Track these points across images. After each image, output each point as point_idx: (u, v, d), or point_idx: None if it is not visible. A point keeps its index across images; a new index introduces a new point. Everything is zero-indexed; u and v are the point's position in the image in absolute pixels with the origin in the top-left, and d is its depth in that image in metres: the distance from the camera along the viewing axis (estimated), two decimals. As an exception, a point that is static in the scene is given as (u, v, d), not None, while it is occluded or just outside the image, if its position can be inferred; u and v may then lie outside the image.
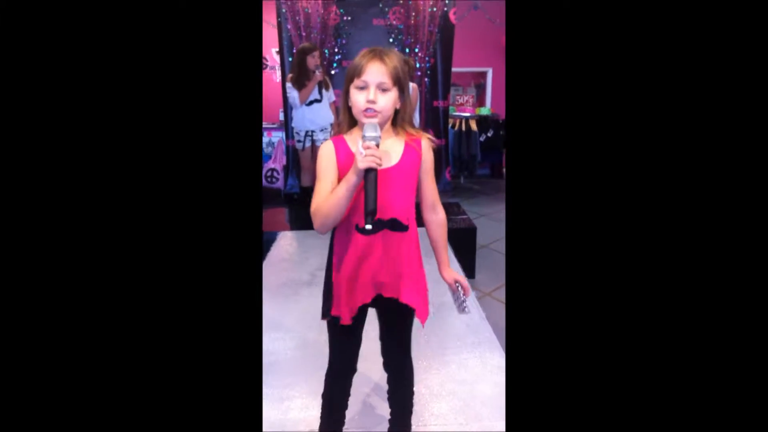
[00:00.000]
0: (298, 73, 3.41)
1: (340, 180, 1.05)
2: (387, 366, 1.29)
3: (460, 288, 1.17)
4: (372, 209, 0.98)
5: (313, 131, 3.52)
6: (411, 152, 1.12)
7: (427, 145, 1.14)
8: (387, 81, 1.04)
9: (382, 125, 1.08)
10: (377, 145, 1.00)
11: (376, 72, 1.03)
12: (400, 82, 1.06)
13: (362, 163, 0.97)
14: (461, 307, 1.15)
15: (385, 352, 1.27)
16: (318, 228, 1.07)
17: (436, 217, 1.21)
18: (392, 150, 1.10)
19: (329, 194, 1.05)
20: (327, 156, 1.10)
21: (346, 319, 1.15)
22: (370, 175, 0.99)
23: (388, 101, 1.05)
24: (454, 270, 1.22)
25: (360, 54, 1.07)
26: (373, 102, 1.03)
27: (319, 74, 3.40)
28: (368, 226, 0.99)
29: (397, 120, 1.12)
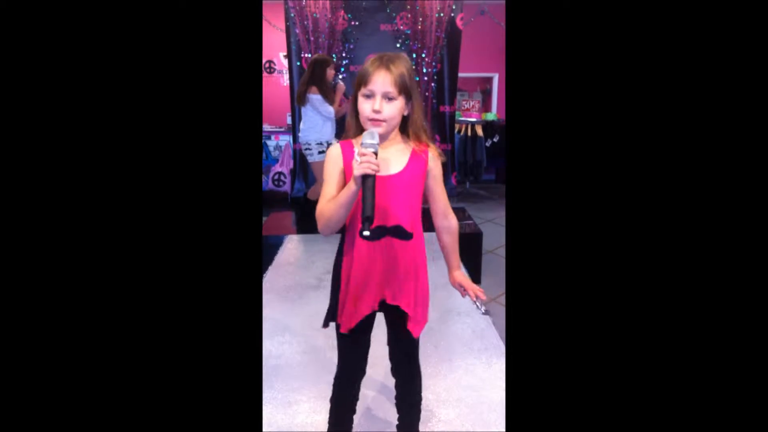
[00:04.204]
0: (326, 87, 3.34)
1: (347, 182, 1.06)
2: (395, 372, 1.30)
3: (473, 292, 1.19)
4: (369, 215, 0.99)
5: (330, 142, 3.47)
6: (417, 160, 1.12)
7: (434, 154, 1.15)
8: (392, 90, 1.05)
9: (388, 133, 1.09)
10: (375, 153, 1.00)
11: (381, 81, 1.05)
12: (406, 90, 1.07)
13: (358, 170, 0.98)
14: (479, 309, 1.17)
15: (393, 358, 1.28)
16: (321, 230, 1.09)
17: (448, 224, 1.22)
18: (397, 157, 1.11)
19: (332, 198, 1.07)
20: (334, 159, 1.12)
21: (344, 328, 1.16)
22: (367, 181, 0.99)
23: (393, 110, 1.07)
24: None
25: (368, 61, 1.08)
26: (378, 111, 1.05)
27: (341, 85, 3.44)
28: (366, 233, 1.00)
29: (407, 127, 1.13)
